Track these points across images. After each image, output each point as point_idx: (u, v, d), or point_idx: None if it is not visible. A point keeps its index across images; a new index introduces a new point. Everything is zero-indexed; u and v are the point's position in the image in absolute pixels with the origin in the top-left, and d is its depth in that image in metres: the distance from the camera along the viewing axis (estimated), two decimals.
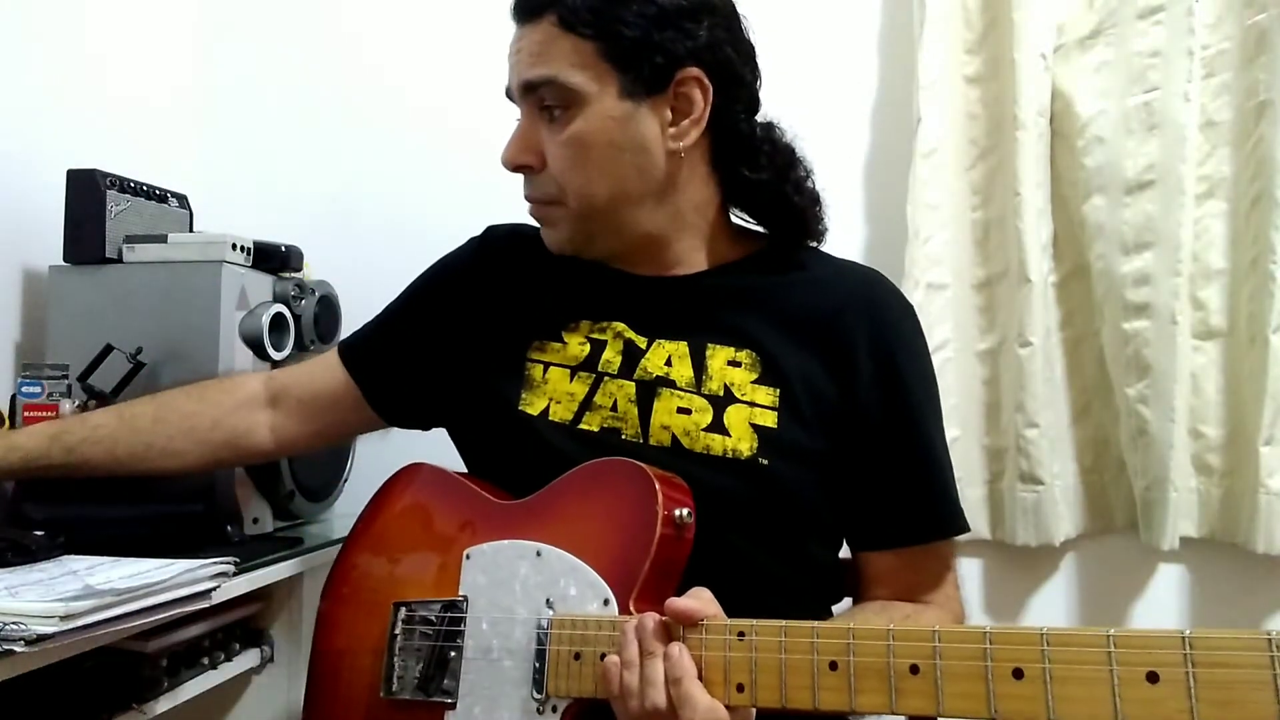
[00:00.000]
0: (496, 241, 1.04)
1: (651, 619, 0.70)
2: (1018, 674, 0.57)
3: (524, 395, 0.93)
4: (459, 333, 1.00)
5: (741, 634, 0.67)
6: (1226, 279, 1.38)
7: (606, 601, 0.76)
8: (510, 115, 0.93)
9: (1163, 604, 1.45)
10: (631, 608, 0.74)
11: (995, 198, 1.46)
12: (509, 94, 0.92)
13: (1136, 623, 1.48)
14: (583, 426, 0.89)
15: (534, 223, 0.98)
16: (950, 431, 1.45)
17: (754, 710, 0.69)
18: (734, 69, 0.89)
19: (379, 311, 1.08)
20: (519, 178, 0.93)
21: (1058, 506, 1.41)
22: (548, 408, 0.91)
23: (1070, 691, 0.55)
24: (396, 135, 1.70)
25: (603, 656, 0.72)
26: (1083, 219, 1.40)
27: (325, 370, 1.05)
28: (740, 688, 0.67)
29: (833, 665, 0.63)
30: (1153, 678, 0.53)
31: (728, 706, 0.67)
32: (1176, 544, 1.36)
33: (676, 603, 0.70)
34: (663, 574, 0.76)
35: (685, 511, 0.77)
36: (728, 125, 0.90)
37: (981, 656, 0.58)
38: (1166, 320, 1.35)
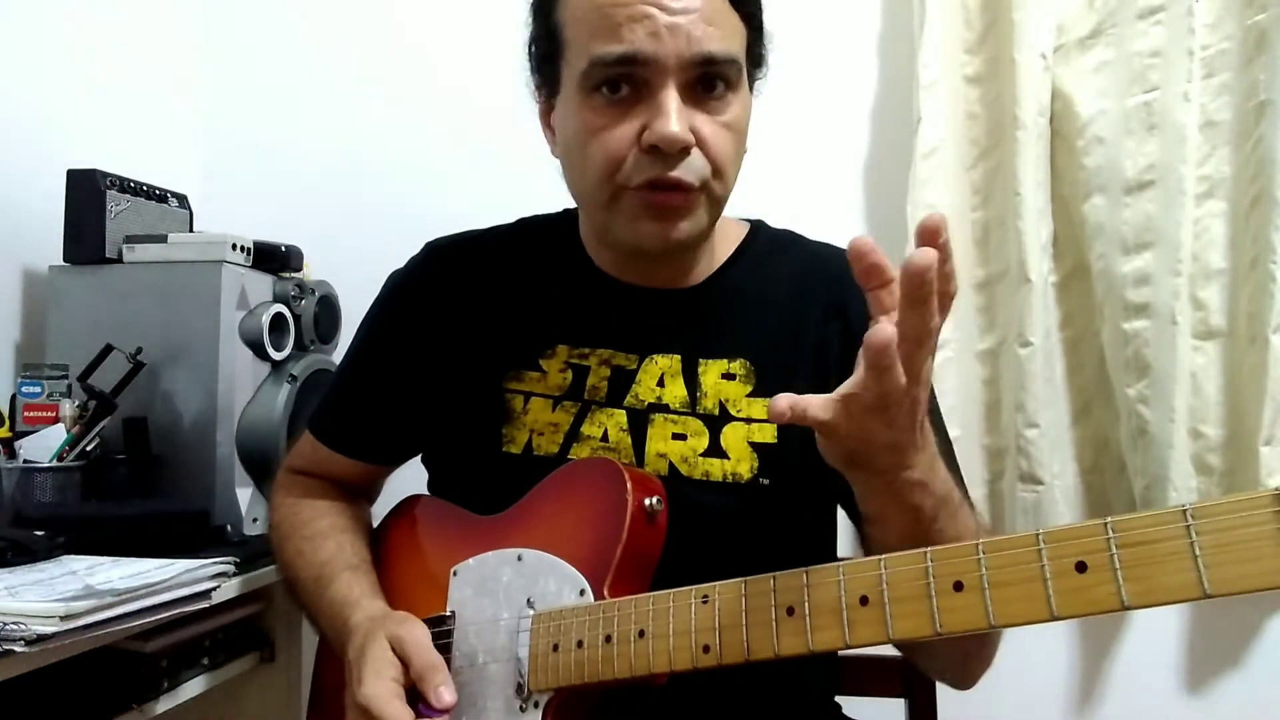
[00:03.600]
0: (444, 259, 0.96)
1: None
2: (958, 586, 0.58)
3: (505, 431, 0.88)
4: (427, 369, 0.93)
5: (705, 598, 0.69)
6: (1226, 279, 1.38)
7: (583, 591, 0.76)
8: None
9: None
10: (606, 593, 0.75)
11: (995, 198, 1.46)
12: (635, 58, 0.76)
13: (1139, 624, 1.48)
14: (571, 458, 0.86)
15: (474, 229, 0.95)
16: (950, 431, 1.46)
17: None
18: None
19: (340, 368, 1.01)
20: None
21: (1058, 506, 1.41)
22: (530, 442, 0.87)
23: (1007, 594, 0.56)
24: (397, 135, 1.70)
25: (578, 644, 0.73)
26: (1083, 219, 1.40)
27: (335, 463, 1.00)
28: (706, 649, 0.67)
29: (790, 611, 0.64)
30: (1081, 567, 0.54)
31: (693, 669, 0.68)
32: None
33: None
34: (635, 561, 0.77)
35: (655, 499, 0.78)
36: None
37: (924, 575, 0.59)
38: (1166, 320, 1.35)
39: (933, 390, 0.91)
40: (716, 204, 0.82)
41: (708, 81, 0.78)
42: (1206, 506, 0.51)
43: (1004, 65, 1.42)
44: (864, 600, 0.61)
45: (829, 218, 1.51)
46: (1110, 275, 1.38)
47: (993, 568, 0.57)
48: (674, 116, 0.75)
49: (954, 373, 1.46)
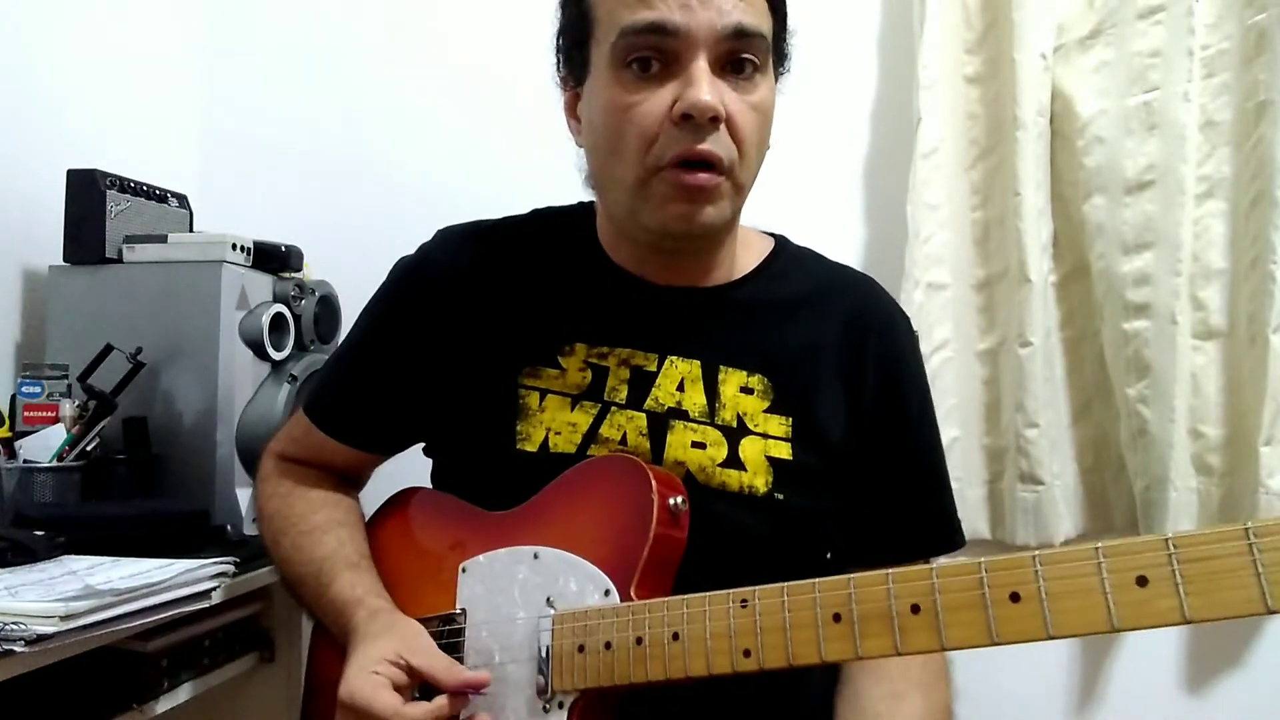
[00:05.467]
0: (458, 246, 0.93)
1: None
2: (1014, 598, 0.59)
3: (519, 427, 0.86)
4: (435, 359, 0.91)
5: (744, 602, 0.68)
6: (1226, 279, 1.38)
7: (608, 592, 0.75)
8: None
9: None
10: (633, 595, 0.74)
11: (995, 198, 1.46)
12: (664, 27, 0.76)
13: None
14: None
15: (486, 219, 0.94)
16: (950, 431, 1.46)
17: None
18: None
19: (340, 352, 0.98)
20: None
21: (1058, 506, 1.41)
22: (546, 439, 0.85)
23: (1065, 605, 0.57)
24: (396, 135, 1.70)
25: (606, 645, 0.72)
26: (1083, 219, 1.40)
27: (329, 449, 0.98)
28: (747, 653, 0.67)
29: (836, 617, 0.64)
30: (1142, 581, 0.55)
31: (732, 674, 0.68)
32: None
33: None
34: (661, 562, 0.76)
35: (680, 499, 0.78)
36: None
37: (978, 586, 0.60)
38: (1166, 320, 1.35)
39: (933, 406, 0.93)
40: (739, 191, 0.82)
41: (737, 63, 0.78)
42: (1269, 525, 0.52)
43: (1004, 65, 1.42)
44: (915, 608, 0.62)
45: (829, 218, 1.53)
46: (1110, 275, 1.38)
47: (1050, 579, 0.58)
48: (705, 85, 0.75)
49: (954, 373, 1.46)
